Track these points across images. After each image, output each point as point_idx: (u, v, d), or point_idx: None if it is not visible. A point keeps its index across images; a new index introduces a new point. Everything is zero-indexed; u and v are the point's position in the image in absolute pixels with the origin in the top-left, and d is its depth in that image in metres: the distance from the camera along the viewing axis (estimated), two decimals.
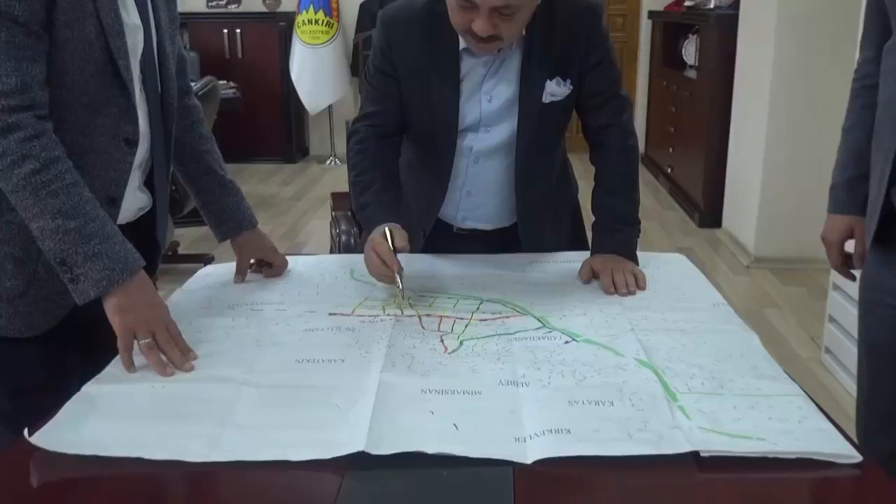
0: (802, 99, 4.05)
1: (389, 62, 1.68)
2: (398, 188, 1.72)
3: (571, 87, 1.67)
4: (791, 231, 4.16)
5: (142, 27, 1.39)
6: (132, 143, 1.40)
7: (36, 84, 1.23)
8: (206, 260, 4.01)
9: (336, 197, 2.89)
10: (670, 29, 6.24)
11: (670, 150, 5.94)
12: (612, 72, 1.71)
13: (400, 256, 1.53)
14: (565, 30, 1.64)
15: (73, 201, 1.25)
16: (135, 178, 1.44)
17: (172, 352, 1.28)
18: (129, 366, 1.26)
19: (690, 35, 5.67)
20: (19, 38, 1.20)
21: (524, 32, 1.62)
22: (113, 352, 1.29)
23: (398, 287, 1.50)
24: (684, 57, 5.80)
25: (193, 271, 1.78)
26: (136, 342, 1.28)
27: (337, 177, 6.48)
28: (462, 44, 1.62)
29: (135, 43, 1.37)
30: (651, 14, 6.78)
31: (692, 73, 5.59)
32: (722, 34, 4.83)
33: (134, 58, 1.37)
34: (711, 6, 5.49)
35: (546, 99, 1.66)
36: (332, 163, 6.84)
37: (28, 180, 1.22)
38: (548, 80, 1.65)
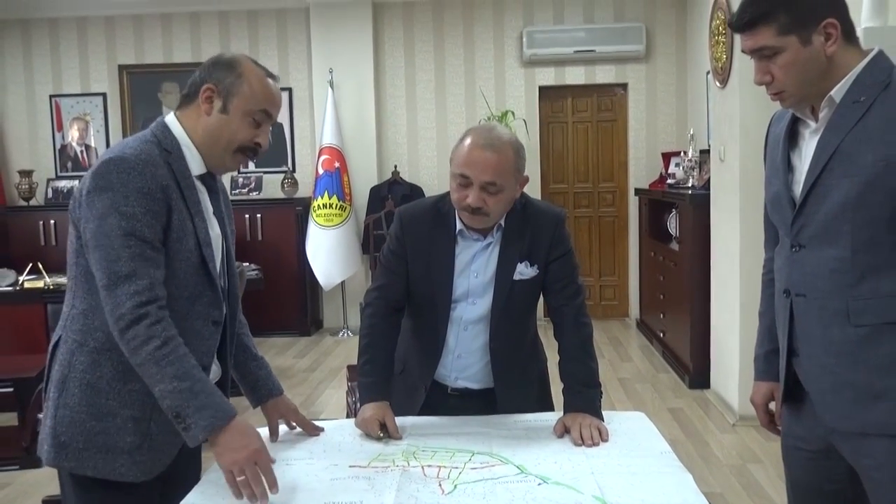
0: None
1: (401, 246, 2.18)
2: (391, 354, 2.19)
3: (537, 271, 2.14)
4: None
5: (221, 237, 1.89)
6: (218, 324, 1.86)
7: (157, 284, 1.69)
8: None
9: (351, 369, 3.30)
10: (655, 205, 6.78)
11: (661, 315, 6.34)
12: (572, 264, 2.18)
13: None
14: (534, 227, 2.14)
15: (185, 368, 1.66)
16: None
17: (269, 475, 1.66)
18: (239, 495, 1.63)
19: (674, 210, 6.16)
20: (147, 252, 1.68)
21: (503, 224, 2.11)
22: (185, 493, 1.70)
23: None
24: (669, 230, 6.28)
25: None
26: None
27: (349, 348, 6.86)
28: (458, 226, 2.11)
29: (217, 249, 1.87)
30: (637, 191, 7.38)
31: (675, 245, 6.06)
32: (697, 212, 5.34)
33: (217, 259, 1.86)
34: (689, 184, 6.04)
35: (516, 276, 2.12)
36: (345, 335, 7.23)
37: (153, 354, 1.64)
38: (518, 263, 2.12)
